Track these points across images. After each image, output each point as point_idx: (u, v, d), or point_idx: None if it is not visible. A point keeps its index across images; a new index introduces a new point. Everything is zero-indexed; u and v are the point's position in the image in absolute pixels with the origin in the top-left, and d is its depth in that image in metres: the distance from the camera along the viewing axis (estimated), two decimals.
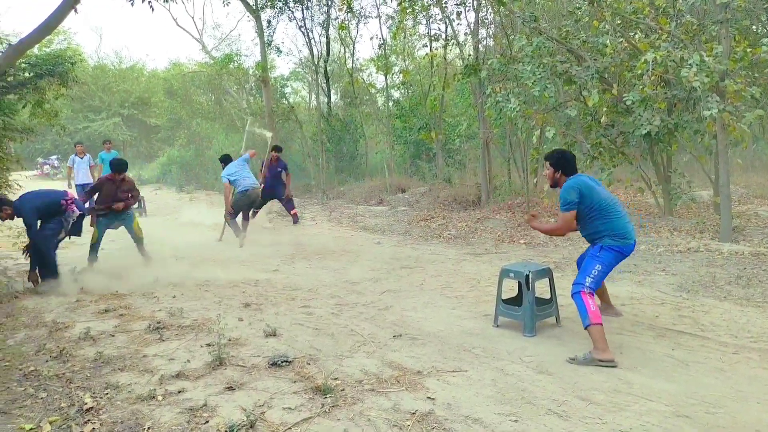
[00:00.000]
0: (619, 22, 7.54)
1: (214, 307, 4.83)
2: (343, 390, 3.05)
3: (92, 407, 2.88)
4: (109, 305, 4.92)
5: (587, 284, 3.57)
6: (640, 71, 6.52)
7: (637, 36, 7.59)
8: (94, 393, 3.07)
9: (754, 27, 10.58)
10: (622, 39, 7.33)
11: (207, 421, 2.72)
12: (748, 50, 6.56)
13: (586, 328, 3.47)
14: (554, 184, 3.97)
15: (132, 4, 6.87)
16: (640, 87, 6.66)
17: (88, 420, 2.76)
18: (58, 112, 9.55)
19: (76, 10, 5.69)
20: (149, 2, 6.81)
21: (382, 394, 3.00)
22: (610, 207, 3.70)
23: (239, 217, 8.56)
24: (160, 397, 2.98)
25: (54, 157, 27.86)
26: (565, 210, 3.74)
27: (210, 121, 22.04)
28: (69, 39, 28.88)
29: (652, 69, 6.42)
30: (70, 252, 7.54)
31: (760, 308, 4.54)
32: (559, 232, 3.92)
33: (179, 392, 3.05)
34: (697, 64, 6.02)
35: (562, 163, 3.88)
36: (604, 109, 7.64)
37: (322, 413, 2.78)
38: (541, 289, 4.49)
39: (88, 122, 29.48)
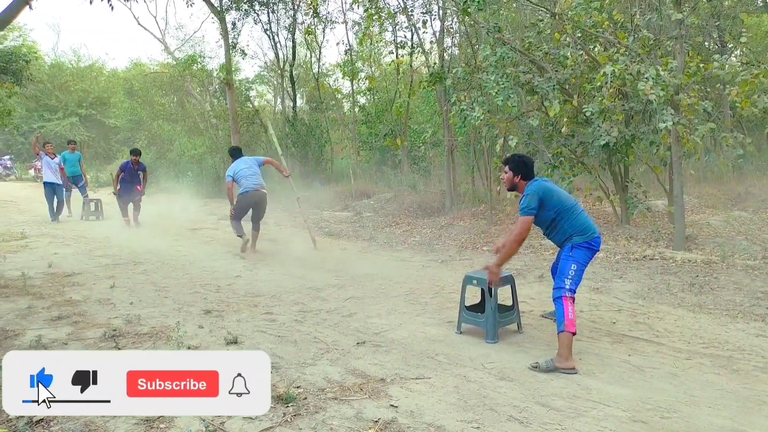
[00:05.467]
0: (579, 35, 7.73)
1: (174, 314, 4.71)
2: (306, 398, 3.01)
3: (43, 418, 2.76)
4: (62, 312, 4.74)
5: (567, 287, 3.60)
6: (599, 83, 6.70)
7: (596, 49, 7.80)
8: None
9: (706, 43, 11.03)
10: (582, 52, 7.53)
11: None
12: (701, 65, 6.83)
13: (559, 333, 3.53)
14: (512, 188, 4.01)
15: (90, 2, 6.64)
16: (599, 99, 6.84)
17: None
18: (11, 111, 9.28)
19: (30, 6, 5.50)
20: (108, 1, 6.60)
21: (345, 403, 2.98)
22: (572, 207, 3.79)
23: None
24: None
25: (7, 157, 26.79)
26: (524, 214, 3.75)
27: (172, 123, 21.60)
28: (24, 36, 27.88)
29: (611, 81, 6.61)
30: (24, 255, 7.27)
31: (712, 315, 4.71)
32: (519, 239, 3.82)
33: None
34: (653, 78, 6.23)
35: (521, 167, 3.92)
36: (565, 119, 7.83)
37: (284, 422, 2.74)
38: (504, 296, 4.54)
39: (43, 122, 28.52)
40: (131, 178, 10.42)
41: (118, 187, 10.36)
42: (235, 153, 8.24)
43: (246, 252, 7.79)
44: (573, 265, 3.66)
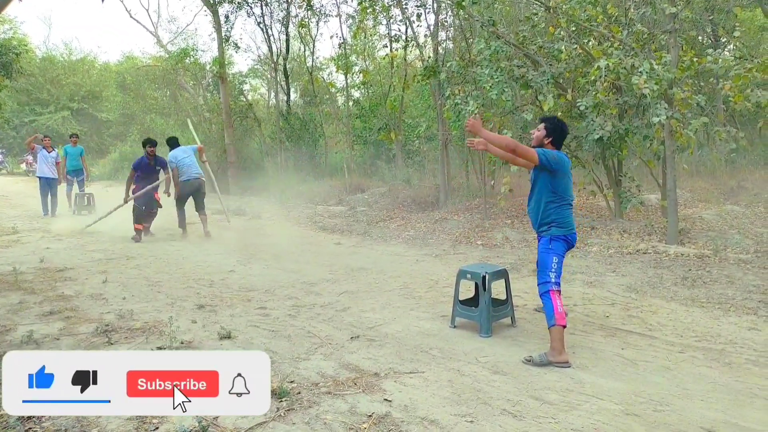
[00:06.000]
0: (573, 29, 7.72)
1: (167, 309, 4.69)
2: (299, 393, 3.01)
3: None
4: (54, 307, 4.71)
5: (553, 280, 3.60)
6: (593, 77, 6.70)
7: (590, 43, 7.79)
8: None
9: (700, 37, 11.04)
10: (576, 45, 7.52)
11: (156, 428, 2.63)
12: (695, 60, 6.83)
13: (550, 328, 3.53)
14: (538, 146, 3.81)
15: None
16: (593, 93, 6.84)
17: (30, 428, 2.64)
18: (1, 104, 9.17)
19: None
20: None
21: (338, 397, 2.98)
22: (569, 200, 3.74)
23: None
24: None
25: None
26: (538, 154, 3.60)
27: (165, 117, 21.47)
28: (15, 28, 27.52)
29: (605, 75, 6.61)
30: (16, 250, 7.21)
31: (705, 308, 4.73)
32: (508, 147, 3.67)
33: None
34: (647, 72, 6.23)
35: (557, 132, 3.79)
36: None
37: (278, 417, 2.73)
38: (498, 290, 4.55)
39: (35, 115, 28.27)
40: (148, 177, 8.51)
41: (131, 193, 8.39)
42: (173, 143, 9.00)
43: (185, 238, 8.74)
44: (555, 258, 3.64)
